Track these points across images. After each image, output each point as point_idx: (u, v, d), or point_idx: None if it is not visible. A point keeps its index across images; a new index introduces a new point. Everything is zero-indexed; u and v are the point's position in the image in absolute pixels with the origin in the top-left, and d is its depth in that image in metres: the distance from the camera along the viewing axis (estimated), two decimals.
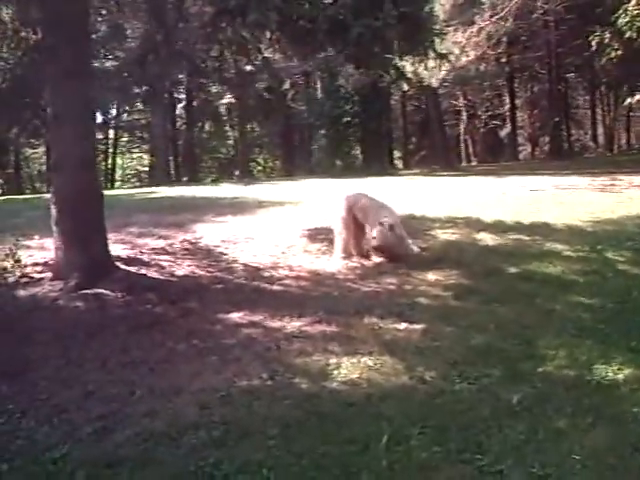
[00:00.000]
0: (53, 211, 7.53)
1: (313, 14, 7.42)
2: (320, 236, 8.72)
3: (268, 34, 8.16)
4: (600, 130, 42.60)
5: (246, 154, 30.77)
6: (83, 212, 7.45)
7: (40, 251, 8.62)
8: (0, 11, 8.04)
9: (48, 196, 17.42)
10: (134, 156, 37.87)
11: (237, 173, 33.74)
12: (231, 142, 39.20)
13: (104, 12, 21.36)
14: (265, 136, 38.11)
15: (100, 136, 33.38)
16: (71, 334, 6.26)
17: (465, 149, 42.45)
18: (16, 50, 7.73)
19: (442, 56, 10.58)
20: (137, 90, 31.12)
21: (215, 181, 30.08)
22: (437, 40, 10.03)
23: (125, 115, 34.79)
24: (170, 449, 4.27)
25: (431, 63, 11.38)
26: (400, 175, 21.62)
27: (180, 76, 32.03)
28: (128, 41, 28.69)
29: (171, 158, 32.20)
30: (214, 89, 35.63)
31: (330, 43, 7.85)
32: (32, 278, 7.62)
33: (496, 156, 39.08)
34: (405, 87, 17.83)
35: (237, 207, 11.04)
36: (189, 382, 5.21)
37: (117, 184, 33.25)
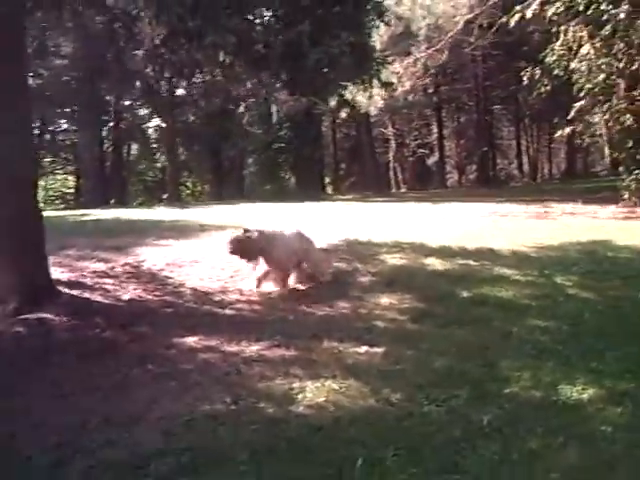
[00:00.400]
0: None
1: (267, 39, 7.36)
2: None
3: (222, 57, 8.00)
4: (524, 160, 44.15)
5: (176, 177, 30.36)
6: (22, 233, 7.12)
7: None
8: None
9: None
10: (58, 177, 36.84)
11: (165, 196, 33.31)
12: (159, 165, 38.75)
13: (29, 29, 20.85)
14: (194, 160, 37.78)
15: None
16: (14, 361, 5.95)
17: (394, 176, 43.14)
18: None
19: (386, 85, 10.70)
20: (66, 110, 30.51)
21: (142, 204, 29.57)
22: (381, 69, 10.17)
23: (47, 135, 33.79)
24: (137, 478, 4.10)
25: (375, 91, 11.49)
26: (335, 200, 21.69)
27: (107, 97, 31.57)
28: (51, 59, 28.04)
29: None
30: (142, 111, 35.26)
31: (285, 68, 7.77)
32: None
33: (424, 183, 39.91)
34: (344, 114, 17.99)
35: (178, 230, 10.80)
36: (148, 409, 5.01)
37: (40, 206, 32.18)
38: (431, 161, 42.92)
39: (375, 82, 9.93)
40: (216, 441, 4.43)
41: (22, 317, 6.70)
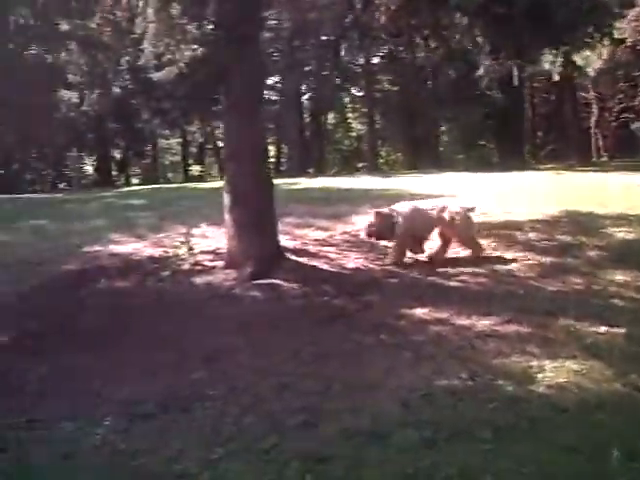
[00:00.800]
0: (226, 200, 7.61)
1: None
2: (485, 231, 8.41)
3: (464, 19, 7.77)
4: None
5: (374, 146, 30.62)
6: (255, 201, 7.51)
7: (204, 239, 8.75)
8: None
9: (192, 185, 17.95)
10: None
11: (361, 165, 33.73)
12: (354, 134, 39.18)
13: None
14: (389, 128, 37.76)
15: None
16: (254, 323, 6.29)
17: (595, 143, 40.56)
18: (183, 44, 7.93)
19: (617, 42, 9.90)
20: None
21: (338, 173, 30.07)
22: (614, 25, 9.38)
23: None
24: (380, 448, 4.17)
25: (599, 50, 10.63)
26: (539, 169, 20.76)
27: (306, 68, 32.11)
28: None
29: None
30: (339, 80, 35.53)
31: (529, 28, 7.40)
32: (204, 266, 7.74)
33: (628, 151, 37.12)
34: (557, 77, 16.80)
35: (390, 199, 10.71)
36: (385, 378, 5.10)
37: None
38: (635, 127, 39.76)
39: (606, 40, 9.15)
40: (456, 417, 4.39)
41: (256, 282, 7.08)
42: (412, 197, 10.98)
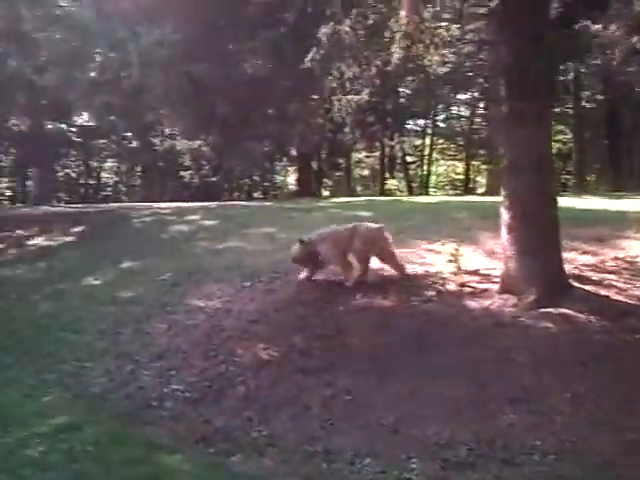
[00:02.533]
0: (505, 217, 6.84)
1: None
2: None
3: None
4: None
5: (582, 165, 28.63)
6: (540, 219, 6.69)
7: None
8: None
9: (405, 199, 17.31)
10: (447, 164, 37.29)
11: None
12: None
13: None
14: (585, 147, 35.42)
15: (418, 142, 33.29)
16: (557, 360, 5.47)
17: None
18: None
19: None
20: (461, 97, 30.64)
21: None
22: None
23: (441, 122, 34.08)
24: None
25: None
26: None
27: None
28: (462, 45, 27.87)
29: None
30: None
31: None
32: (474, 288, 6.99)
33: None
34: None
35: None
36: None
37: (431, 190, 32.68)
38: None
39: None
40: None
41: (542, 311, 6.23)
42: None
